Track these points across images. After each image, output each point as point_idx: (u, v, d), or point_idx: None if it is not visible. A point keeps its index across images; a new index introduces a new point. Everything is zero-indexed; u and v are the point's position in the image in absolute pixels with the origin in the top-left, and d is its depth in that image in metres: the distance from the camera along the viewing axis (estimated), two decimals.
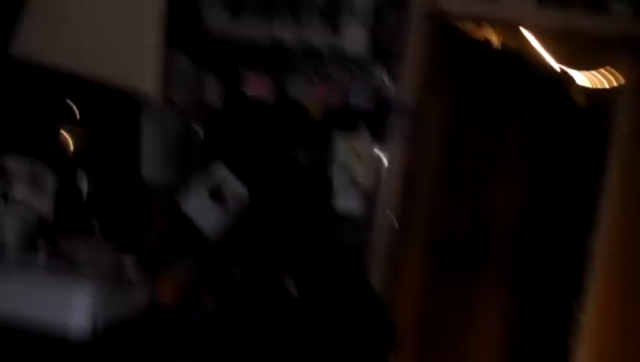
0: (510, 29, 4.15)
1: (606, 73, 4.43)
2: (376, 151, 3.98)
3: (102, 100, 3.28)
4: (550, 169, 4.74)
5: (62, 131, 3.30)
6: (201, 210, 3.70)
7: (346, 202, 3.98)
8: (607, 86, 4.47)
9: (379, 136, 3.96)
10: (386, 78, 3.93)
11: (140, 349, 3.09)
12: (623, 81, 4.13)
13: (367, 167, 3.98)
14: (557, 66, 4.51)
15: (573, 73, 4.67)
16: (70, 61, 3.07)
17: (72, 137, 3.27)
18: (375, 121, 3.96)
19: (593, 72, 4.50)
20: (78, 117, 3.29)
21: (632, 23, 3.79)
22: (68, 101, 3.26)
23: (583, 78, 4.68)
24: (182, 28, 3.70)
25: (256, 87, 3.95)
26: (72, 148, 3.27)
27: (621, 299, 3.97)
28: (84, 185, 3.20)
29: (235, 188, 3.79)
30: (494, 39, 4.36)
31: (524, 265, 4.62)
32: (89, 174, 3.24)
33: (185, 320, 3.37)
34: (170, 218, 3.64)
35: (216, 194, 3.76)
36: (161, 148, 3.65)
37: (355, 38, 3.91)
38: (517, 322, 4.70)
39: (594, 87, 4.62)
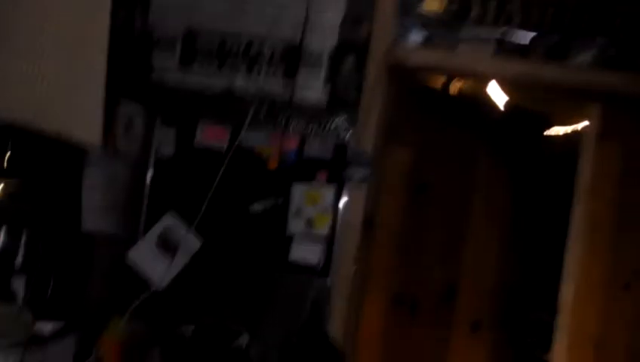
0: (470, 76, 4.11)
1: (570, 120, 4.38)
2: (334, 199, 3.94)
3: (39, 149, 3.23)
4: (522, 213, 4.68)
5: None
6: (150, 262, 3.65)
7: (303, 250, 3.93)
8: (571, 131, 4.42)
9: (336, 184, 3.93)
10: (343, 127, 3.90)
11: None
12: (586, 129, 4.08)
13: (324, 215, 3.94)
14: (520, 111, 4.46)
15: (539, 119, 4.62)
16: (6, 109, 3.02)
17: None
18: (332, 169, 3.93)
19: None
20: (8, 166, 3.19)
21: (591, 73, 3.76)
22: None
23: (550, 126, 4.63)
24: (132, 77, 3.68)
25: (210, 135, 3.93)
26: None
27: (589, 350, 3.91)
28: (6, 242, 3.11)
29: (186, 239, 3.75)
30: (455, 86, 4.32)
31: (501, 314, 4.53)
32: (16, 229, 3.17)
33: None
34: (115, 270, 3.59)
35: (166, 246, 3.72)
36: (105, 198, 3.61)
37: (312, 87, 3.89)
38: None
39: (560, 132, 4.57)
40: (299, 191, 3.92)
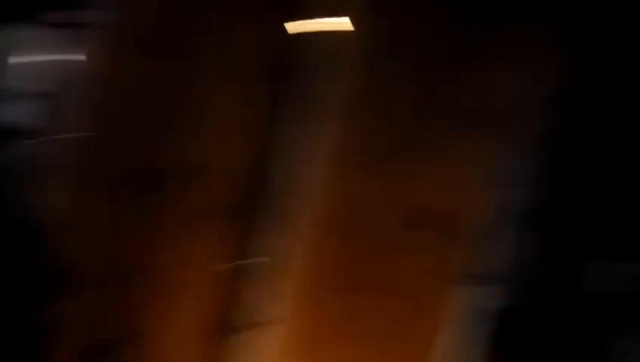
0: None
1: None
2: (59, 48, 3.30)
3: None
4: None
5: None
6: None
7: (10, 110, 3.35)
8: None
9: (58, 28, 3.28)
10: None
11: None
12: None
13: (38, 67, 3.31)
14: None
15: None
16: None
17: None
18: (60, 10, 3.27)
19: None
20: None
21: None
22: None
23: None
24: None
25: None
26: None
27: None
28: None
29: None
30: None
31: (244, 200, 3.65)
32: None
33: None
34: None
35: None
36: None
37: None
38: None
39: None
40: (5, 36, 3.31)
